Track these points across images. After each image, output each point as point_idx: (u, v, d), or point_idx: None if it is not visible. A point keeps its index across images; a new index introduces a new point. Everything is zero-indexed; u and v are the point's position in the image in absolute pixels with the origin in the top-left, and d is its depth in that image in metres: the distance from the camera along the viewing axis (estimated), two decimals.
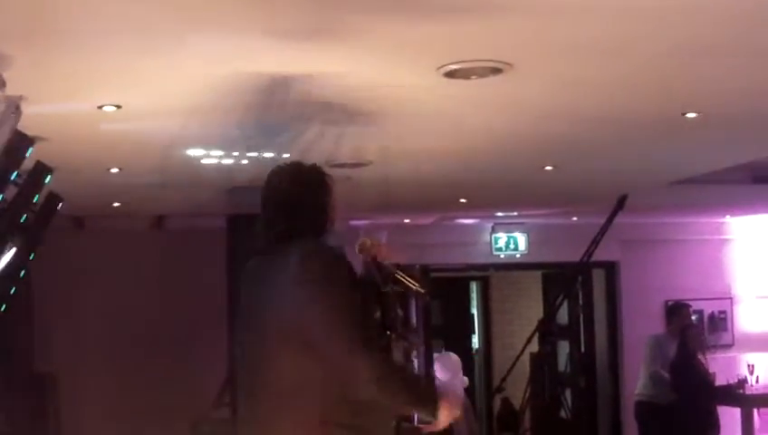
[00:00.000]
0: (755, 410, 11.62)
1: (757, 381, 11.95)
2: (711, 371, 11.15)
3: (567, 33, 4.11)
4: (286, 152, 6.74)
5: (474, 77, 4.68)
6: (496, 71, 4.59)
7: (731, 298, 13.84)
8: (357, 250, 4.25)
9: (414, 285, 4.20)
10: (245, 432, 4.04)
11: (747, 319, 13.85)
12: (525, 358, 11.46)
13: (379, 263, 4.20)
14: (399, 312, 11.25)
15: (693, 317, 12.31)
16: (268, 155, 6.85)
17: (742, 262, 13.91)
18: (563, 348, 13.68)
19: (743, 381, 11.70)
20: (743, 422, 11.52)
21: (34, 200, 6.31)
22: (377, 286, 4.24)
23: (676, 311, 11.20)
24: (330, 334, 3.72)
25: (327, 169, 4.24)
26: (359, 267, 4.25)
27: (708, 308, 13.66)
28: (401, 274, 4.18)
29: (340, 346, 3.71)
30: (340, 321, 3.72)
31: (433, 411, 3.84)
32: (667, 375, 10.53)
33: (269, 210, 4.08)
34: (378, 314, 4.26)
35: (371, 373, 3.70)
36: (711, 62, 4.67)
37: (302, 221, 4.00)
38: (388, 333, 4.13)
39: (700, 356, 10.52)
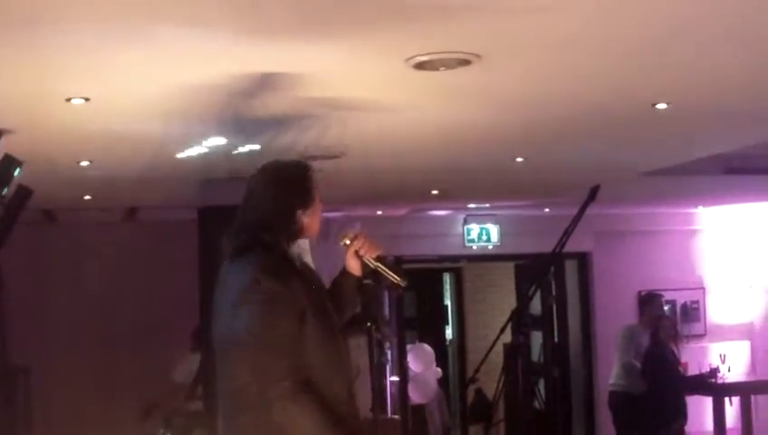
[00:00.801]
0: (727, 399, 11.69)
1: (729, 371, 12.00)
2: (683, 360, 11.22)
3: (536, 25, 4.11)
4: (257, 145, 6.74)
5: (442, 69, 4.68)
6: (465, 62, 4.59)
7: (703, 288, 13.92)
8: (340, 242, 4.27)
9: (394, 278, 4.21)
10: (219, 427, 4.13)
11: (719, 309, 13.93)
12: (498, 349, 11.46)
13: (360, 255, 4.22)
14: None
15: (666, 307, 12.38)
16: (240, 149, 6.84)
17: (714, 252, 13.98)
18: (537, 339, 13.70)
19: (714, 371, 11.76)
20: (714, 411, 11.58)
21: (3, 193, 6.29)
22: (358, 279, 4.26)
23: (648, 301, 11.27)
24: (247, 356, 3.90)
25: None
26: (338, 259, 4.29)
27: (681, 298, 13.73)
28: (382, 266, 4.19)
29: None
30: (256, 347, 3.87)
31: None
32: (639, 365, 10.60)
33: (240, 215, 4.15)
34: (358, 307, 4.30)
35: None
36: (681, 54, 4.68)
37: (266, 233, 4.05)
38: (369, 324, 4.14)
39: (672, 347, 10.58)
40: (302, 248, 4.13)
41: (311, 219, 4.15)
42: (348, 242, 4.25)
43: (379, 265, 4.21)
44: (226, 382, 4.01)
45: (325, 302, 4.11)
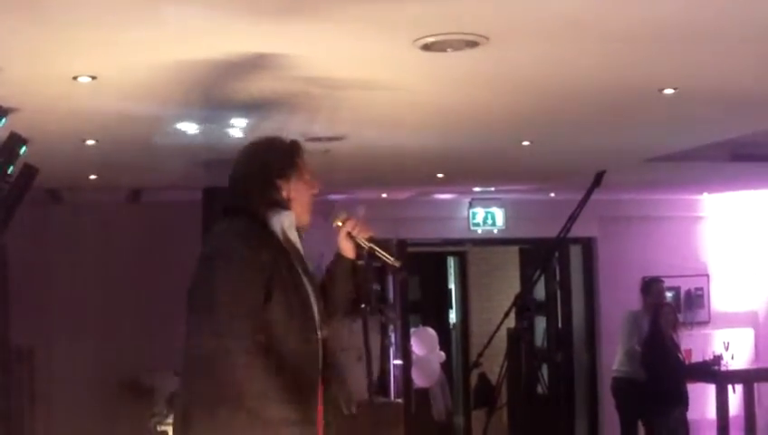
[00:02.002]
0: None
1: (732, 358, 12.01)
2: (687, 347, 11.23)
3: (544, 7, 4.10)
4: (262, 126, 6.73)
5: (450, 50, 4.66)
6: (473, 44, 4.57)
7: (707, 275, 13.89)
8: (332, 224, 4.26)
9: (388, 259, 4.19)
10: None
11: (724, 296, 13.91)
12: (502, 333, 11.48)
13: (353, 236, 4.21)
14: (377, 287, 11.26)
15: (669, 294, 12.39)
16: (244, 129, 6.83)
17: (719, 239, 13.96)
18: (540, 323, 13.73)
19: (718, 358, 11.77)
20: (717, 399, 11.59)
21: (9, 171, 6.29)
22: (352, 261, 4.25)
23: (648, 287, 11.29)
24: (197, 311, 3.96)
25: (302, 142, 4.26)
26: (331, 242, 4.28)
27: (685, 285, 13.70)
28: (375, 247, 4.18)
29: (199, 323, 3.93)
30: (207, 302, 3.91)
31: None
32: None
33: (229, 183, 4.20)
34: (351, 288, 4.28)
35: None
36: (689, 39, 4.67)
37: (243, 198, 4.09)
38: (363, 306, 4.13)
39: (672, 333, 10.60)
40: (288, 222, 4.09)
41: (296, 192, 4.15)
42: (340, 223, 4.23)
43: (373, 245, 4.19)
44: (188, 344, 4.02)
45: (300, 279, 4.06)
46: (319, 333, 4.10)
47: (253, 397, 3.77)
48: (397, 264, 4.24)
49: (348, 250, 4.24)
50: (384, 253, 4.19)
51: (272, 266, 3.91)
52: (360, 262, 4.22)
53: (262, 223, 4.05)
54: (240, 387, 3.78)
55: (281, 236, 4.05)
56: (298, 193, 4.16)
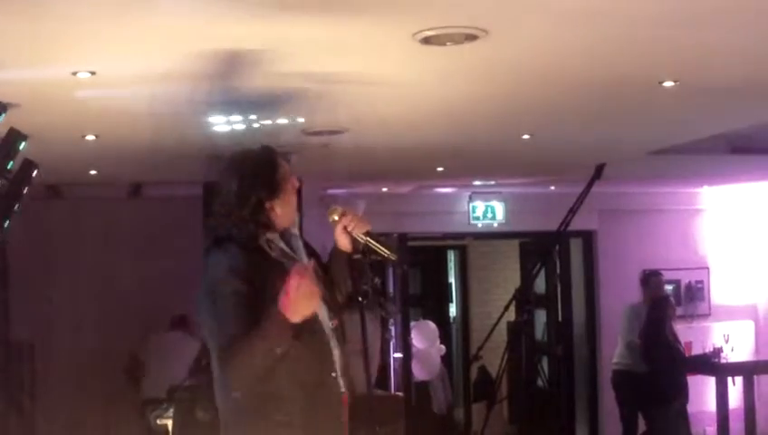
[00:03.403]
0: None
1: (732, 351, 12.02)
2: (687, 340, 11.25)
3: (544, 1, 4.10)
4: (262, 120, 6.73)
5: (449, 44, 4.66)
6: (472, 37, 4.57)
7: (707, 268, 13.88)
8: (328, 219, 4.26)
9: (384, 253, 4.19)
10: None
11: (724, 289, 13.90)
12: (502, 327, 11.52)
13: (350, 231, 4.21)
14: (377, 280, 11.24)
15: (669, 287, 12.40)
16: (243, 123, 6.84)
17: (719, 232, 13.95)
18: (540, 317, 13.74)
19: (718, 351, 11.77)
20: (717, 391, 11.59)
21: (8, 167, 6.29)
22: (349, 256, 4.25)
23: (646, 280, 11.31)
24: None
25: (294, 137, 4.30)
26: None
27: (685, 278, 13.69)
28: (371, 241, 4.18)
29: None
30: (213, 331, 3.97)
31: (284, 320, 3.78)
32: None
33: (213, 205, 4.20)
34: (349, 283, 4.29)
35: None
36: (689, 31, 4.66)
37: (235, 227, 4.08)
38: (360, 300, 4.14)
39: (672, 326, 10.62)
40: (274, 238, 4.10)
41: (282, 209, 4.14)
42: (336, 218, 4.23)
43: (369, 239, 4.20)
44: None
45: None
46: (327, 329, 4.13)
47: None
48: (393, 257, 4.23)
49: (345, 245, 4.23)
50: (381, 247, 4.19)
51: (264, 285, 3.91)
52: (357, 256, 4.21)
53: (255, 248, 4.05)
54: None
55: (271, 252, 4.07)
56: (284, 207, 4.16)
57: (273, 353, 3.78)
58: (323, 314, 4.13)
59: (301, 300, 3.70)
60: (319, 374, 4.04)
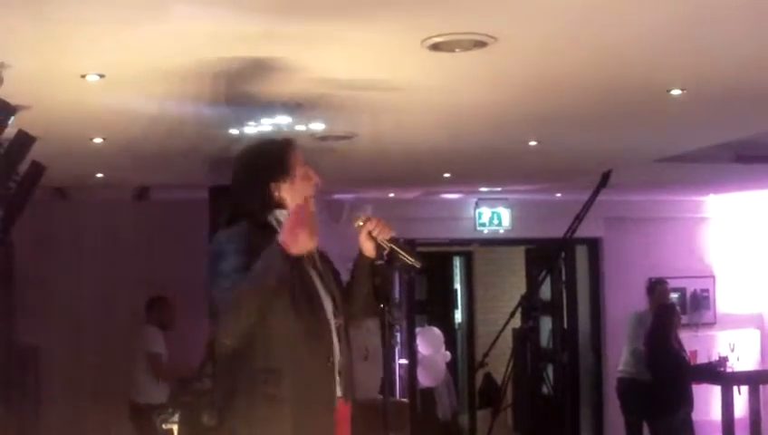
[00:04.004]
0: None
1: (738, 360, 12.01)
2: (692, 349, 11.24)
3: (551, 7, 4.11)
4: (271, 125, 6.74)
5: (458, 50, 4.67)
6: (480, 44, 4.58)
7: (713, 276, 13.88)
8: (354, 225, 4.28)
9: (408, 259, 4.21)
10: None
11: (729, 298, 13.90)
12: (508, 333, 11.50)
13: (374, 237, 4.22)
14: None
15: (674, 295, 12.40)
16: (252, 127, 6.84)
17: (724, 240, 13.95)
18: (546, 324, 13.72)
19: (723, 360, 11.76)
20: (723, 400, 11.58)
21: (17, 169, 6.31)
22: (372, 261, 4.27)
23: (652, 288, 11.32)
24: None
25: (294, 138, 4.35)
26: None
27: (691, 286, 13.69)
28: (396, 247, 4.19)
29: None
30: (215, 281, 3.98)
31: (283, 253, 3.86)
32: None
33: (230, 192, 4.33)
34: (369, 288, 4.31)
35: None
36: (697, 39, 4.67)
37: (241, 206, 4.22)
38: (382, 306, 4.15)
39: (678, 334, 10.62)
40: (284, 218, 4.14)
41: (291, 193, 4.23)
42: (361, 224, 4.25)
43: (394, 246, 4.21)
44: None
45: (305, 273, 4.18)
46: (331, 324, 4.22)
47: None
48: (417, 265, 4.26)
49: (369, 250, 4.26)
50: (405, 253, 4.21)
51: None
52: (379, 262, 4.23)
53: (263, 225, 4.14)
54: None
55: (280, 230, 4.10)
56: (294, 191, 4.23)
57: (269, 283, 3.84)
58: (329, 309, 4.22)
59: (301, 228, 3.85)
60: (316, 355, 4.11)
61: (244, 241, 4.00)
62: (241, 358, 4.01)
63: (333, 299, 4.26)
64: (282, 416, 4.01)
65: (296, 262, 3.98)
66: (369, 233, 4.23)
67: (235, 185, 4.30)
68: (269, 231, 4.07)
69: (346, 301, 4.35)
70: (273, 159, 4.28)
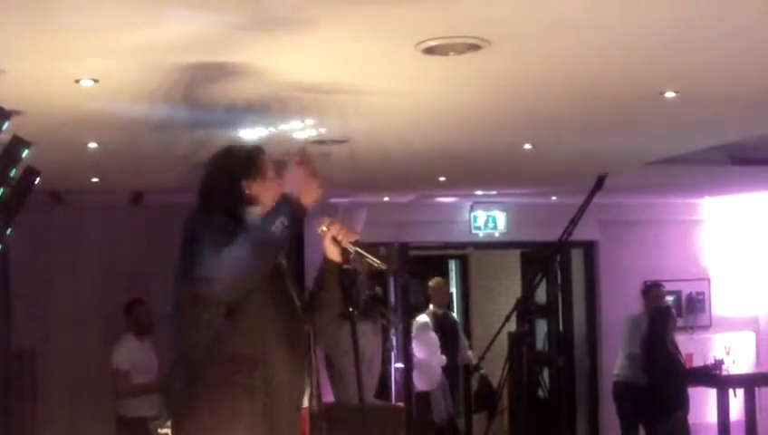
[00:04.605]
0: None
1: (734, 363, 12.02)
2: (688, 352, 11.25)
3: (545, 10, 4.11)
4: (264, 129, 6.74)
5: (452, 54, 4.68)
6: (474, 47, 4.59)
7: (708, 279, 13.88)
8: (318, 229, 4.28)
9: (374, 262, 4.21)
10: None
11: (725, 301, 13.90)
12: (503, 337, 11.47)
13: (339, 241, 4.22)
14: (378, 290, 11.19)
15: (670, 298, 12.39)
16: (245, 132, 6.84)
17: (720, 243, 13.95)
18: (541, 327, 13.72)
19: (719, 363, 11.78)
20: (718, 403, 11.59)
21: (11, 174, 6.30)
22: (338, 265, 4.28)
23: (647, 291, 11.32)
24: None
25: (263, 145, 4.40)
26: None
27: (686, 289, 13.69)
28: (360, 250, 4.19)
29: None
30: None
31: (292, 204, 3.97)
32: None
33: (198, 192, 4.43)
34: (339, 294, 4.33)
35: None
36: (690, 42, 4.68)
37: (214, 200, 4.30)
38: (351, 309, 4.16)
39: (673, 337, 10.63)
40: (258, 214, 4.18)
41: (259, 191, 4.29)
42: (324, 229, 4.25)
43: (358, 249, 4.22)
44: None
45: (280, 267, 4.21)
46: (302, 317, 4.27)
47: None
48: (383, 266, 4.27)
49: (334, 254, 4.26)
50: (370, 256, 4.21)
51: None
52: (347, 266, 4.23)
53: (237, 219, 4.17)
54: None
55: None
56: (264, 190, 4.29)
57: (279, 237, 3.91)
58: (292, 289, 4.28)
59: (311, 177, 4.01)
60: (292, 351, 4.15)
61: (223, 223, 4.06)
62: (204, 346, 4.05)
63: (299, 306, 4.29)
64: (253, 406, 4.04)
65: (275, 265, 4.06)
66: (334, 237, 4.24)
67: (208, 181, 4.38)
68: (240, 222, 4.12)
69: (316, 311, 4.37)
70: (243, 156, 4.40)
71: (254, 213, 4.18)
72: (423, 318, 12.37)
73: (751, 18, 4.29)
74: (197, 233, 4.06)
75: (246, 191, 4.27)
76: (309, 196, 4.00)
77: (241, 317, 4.01)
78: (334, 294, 4.32)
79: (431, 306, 12.65)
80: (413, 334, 12.59)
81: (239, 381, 4.03)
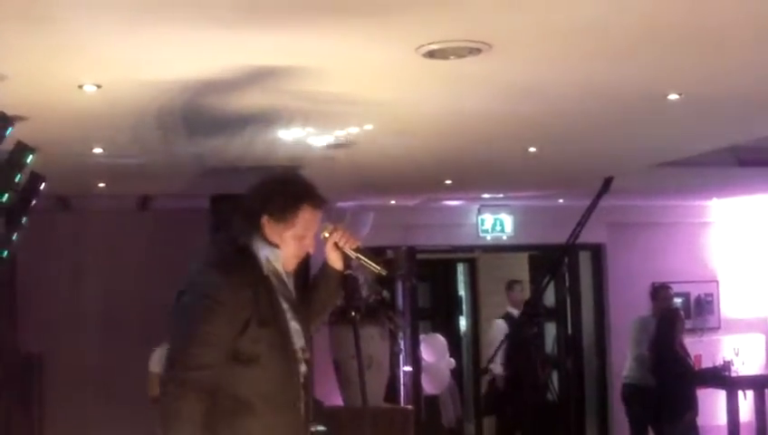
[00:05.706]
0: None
1: (743, 364, 11.99)
2: (697, 353, 11.21)
3: (547, 14, 4.11)
4: (268, 134, 6.74)
5: (453, 57, 4.68)
6: (475, 51, 4.58)
7: (717, 281, 13.85)
8: (320, 236, 4.26)
9: (375, 268, 4.21)
10: None
11: (734, 302, 13.87)
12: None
13: (340, 247, 4.22)
14: (386, 294, 11.18)
15: (678, 300, 12.37)
16: (249, 136, 6.85)
17: (728, 245, 13.92)
18: (550, 330, 13.71)
19: (728, 364, 11.75)
20: (728, 405, 11.57)
21: (16, 180, 6.31)
22: (340, 271, 4.27)
23: (655, 293, 11.30)
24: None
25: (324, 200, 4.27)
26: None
27: (695, 291, 13.66)
28: (362, 256, 4.19)
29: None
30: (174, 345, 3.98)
31: None
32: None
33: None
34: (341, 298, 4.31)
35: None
36: (694, 44, 4.67)
37: (237, 223, 4.15)
38: (353, 314, 4.15)
39: (682, 339, 10.61)
40: (274, 256, 4.09)
41: (278, 238, 4.09)
42: (327, 235, 4.24)
43: (360, 255, 4.21)
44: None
45: (279, 309, 4.06)
46: (299, 359, 4.13)
47: (166, 426, 3.83)
48: (384, 272, 4.29)
49: (335, 261, 4.25)
50: (371, 262, 4.21)
51: (252, 302, 3.94)
52: (348, 272, 4.23)
53: (242, 247, 4.07)
54: (163, 412, 3.87)
55: (264, 263, 4.07)
56: (281, 240, 4.10)
57: None
58: (297, 344, 4.13)
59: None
60: (282, 391, 4.04)
61: (220, 296, 3.93)
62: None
63: (299, 318, 4.18)
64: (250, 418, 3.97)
65: (270, 303, 4.01)
66: (335, 244, 4.23)
67: (247, 196, 4.18)
68: (249, 259, 4.04)
69: (314, 316, 4.34)
70: (269, 193, 4.15)
71: (268, 254, 4.07)
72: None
73: (754, 20, 4.28)
74: (189, 301, 4.02)
75: (266, 228, 4.08)
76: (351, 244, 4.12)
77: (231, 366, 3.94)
78: (332, 298, 4.33)
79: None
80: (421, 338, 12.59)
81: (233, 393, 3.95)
